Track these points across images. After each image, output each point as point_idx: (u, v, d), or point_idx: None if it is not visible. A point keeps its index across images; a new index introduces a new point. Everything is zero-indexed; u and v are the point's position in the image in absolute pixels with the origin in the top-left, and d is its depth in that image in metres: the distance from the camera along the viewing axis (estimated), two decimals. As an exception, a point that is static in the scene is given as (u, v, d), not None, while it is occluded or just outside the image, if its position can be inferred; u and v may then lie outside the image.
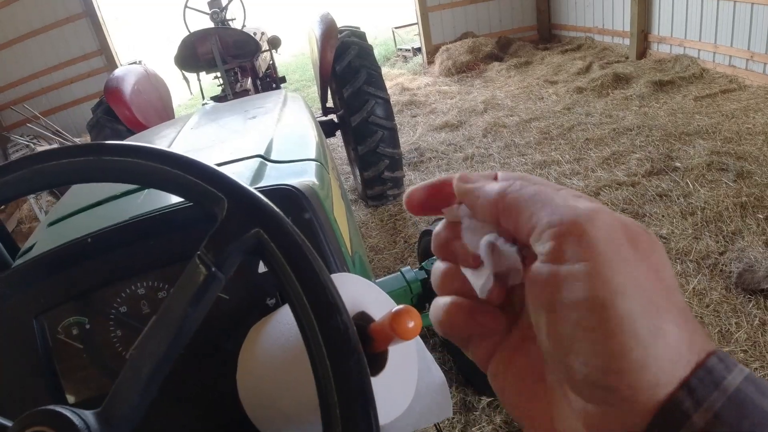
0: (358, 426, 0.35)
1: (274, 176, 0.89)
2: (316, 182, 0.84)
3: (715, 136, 3.98)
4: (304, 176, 0.86)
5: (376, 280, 2.05)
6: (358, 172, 3.88)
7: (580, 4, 7.74)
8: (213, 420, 0.71)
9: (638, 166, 3.74)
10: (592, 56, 6.91)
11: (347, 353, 0.36)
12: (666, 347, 0.25)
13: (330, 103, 4.10)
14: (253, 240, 0.43)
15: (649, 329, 0.24)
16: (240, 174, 0.89)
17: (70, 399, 0.75)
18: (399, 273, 2.07)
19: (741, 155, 3.59)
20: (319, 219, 0.73)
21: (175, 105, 5.35)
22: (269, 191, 0.75)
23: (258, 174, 0.89)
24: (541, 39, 8.61)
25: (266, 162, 0.97)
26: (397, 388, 0.56)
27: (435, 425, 1.56)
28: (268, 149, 1.04)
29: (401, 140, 4.91)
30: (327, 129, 3.89)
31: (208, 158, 1.03)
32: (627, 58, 6.59)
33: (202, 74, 4.72)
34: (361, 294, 0.58)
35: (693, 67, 5.53)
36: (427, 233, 2.14)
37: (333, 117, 3.97)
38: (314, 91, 5.30)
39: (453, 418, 2.10)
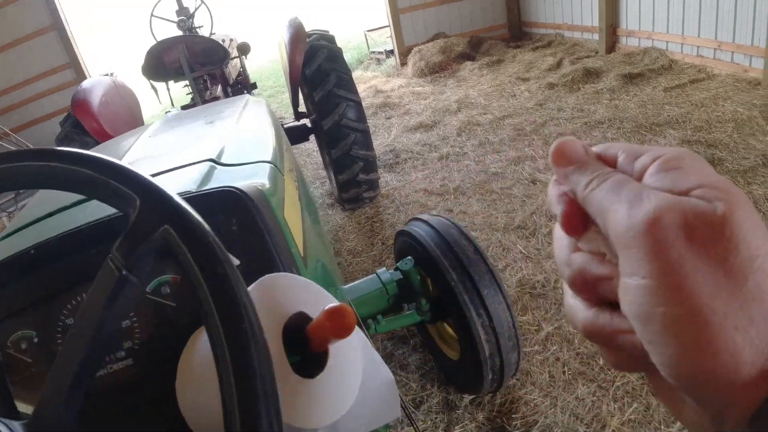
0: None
1: (222, 179, 0.86)
2: (265, 184, 0.82)
3: (685, 125, 4.04)
4: (253, 178, 0.84)
5: (352, 283, 2.04)
6: (333, 176, 3.86)
7: (549, 1, 7.82)
8: (161, 429, 0.69)
9: (611, 158, 3.76)
10: (563, 52, 6.97)
11: (251, 355, 0.34)
12: (718, 347, 0.24)
13: (303, 108, 4.07)
14: (162, 239, 0.41)
15: (698, 339, 0.24)
16: (188, 179, 0.86)
17: (25, 414, 0.73)
18: (375, 275, 2.06)
19: (711, 143, 3.64)
20: (265, 220, 0.71)
21: (148, 115, 5.30)
22: (211, 194, 0.72)
23: (206, 178, 0.87)
24: (512, 37, 8.68)
25: (216, 165, 0.95)
26: (339, 388, 0.54)
27: (413, 426, 1.54)
28: (220, 153, 1.02)
29: (376, 142, 4.91)
30: (300, 133, 3.86)
31: (159, 165, 1.00)
32: (597, 52, 6.67)
33: (172, 83, 4.67)
34: (300, 294, 0.56)
35: (662, 58, 5.60)
36: (403, 233, 2.12)
37: (306, 121, 3.94)
38: (288, 96, 5.31)
39: (436, 418, 2.09)
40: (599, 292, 0.31)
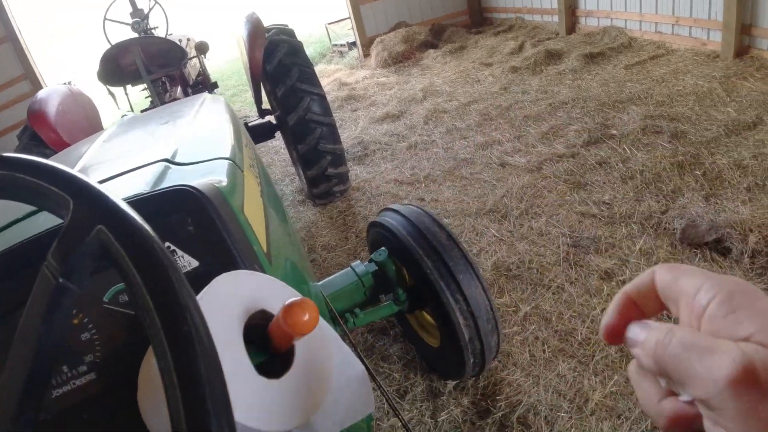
0: None
1: (175, 179, 0.83)
2: (223, 181, 0.79)
3: (647, 101, 4.10)
4: (210, 176, 0.80)
5: (327, 279, 2.01)
6: (301, 172, 3.81)
7: (507, -15, 7.86)
8: None
9: (576, 137, 3.81)
10: (524, 36, 7.02)
11: (196, 361, 0.32)
12: None
13: (267, 105, 4.01)
14: (97, 240, 0.38)
15: None
16: (141, 181, 0.82)
17: None
18: (349, 268, 2.04)
19: (674, 117, 3.70)
20: (223, 218, 0.67)
21: (108, 122, 5.16)
22: (164, 194, 0.69)
23: (160, 178, 0.83)
24: (473, 23, 8.71)
25: (171, 165, 0.91)
26: (308, 387, 0.52)
27: (398, 416, 1.53)
28: (175, 152, 0.98)
29: (344, 135, 4.88)
30: (265, 131, 3.80)
31: (112, 169, 0.96)
32: (557, 34, 6.73)
33: (130, 87, 4.55)
34: (262, 291, 0.53)
35: (621, 37, 5.68)
36: (375, 225, 2.10)
37: (270, 118, 3.88)
38: (251, 95, 5.22)
39: (421, 406, 2.09)
40: (695, 426, 0.32)
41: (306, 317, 0.43)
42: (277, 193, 1.69)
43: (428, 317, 2.16)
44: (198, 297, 0.49)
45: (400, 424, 2.01)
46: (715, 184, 2.86)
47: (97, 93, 4.59)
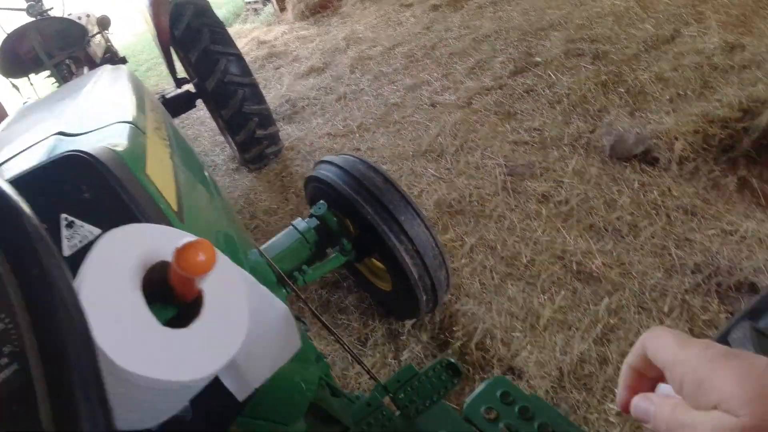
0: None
1: (69, 149, 0.78)
2: (119, 144, 0.74)
3: (567, 25, 4.13)
4: (106, 141, 0.75)
5: (270, 241, 1.98)
6: (230, 138, 3.69)
7: None
8: None
9: (502, 68, 3.82)
10: (440, -28, 6.90)
11: (52, 314, 0.29)
12: None
13: (184, 74, 3.83)
14: None
15: None
16: (33, 158, 0.76)
17: None
18: (291, 227, 2.01)
19: (594, 38, 3.75)
20: (120, 180, 0.63)
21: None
22: (52, 163, 0.64)
23: (52, 151, 0.77)
24: (388, -36, 8.49)
25: (65, 137, 0.85)
26: (221, 332, 0.50)
27: (363, 366, 1.54)
28: (70, 124, 0.91)
29: (270, 95, 4.74)
30: (185, 101, 3.64)
31: (6, 155, 0.89)
32: (473, -34, 6.64)
33: (34, 76, 4.24)
34: (161, 241, 0.50)
35: (535, -38, 5.65)
36: (311, 180, 2.07)
37: (189, 87, 3.71)
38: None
39: (384, 348, 2.12)
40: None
41: (201, 257, 0.41)
42: (198, 159, 1.62)
43: (377, 263, 2.17)
44: (87, 257, 0.46)
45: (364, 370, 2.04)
46: (639, 99, 2.95)
47: (3, 88, 4.27)
